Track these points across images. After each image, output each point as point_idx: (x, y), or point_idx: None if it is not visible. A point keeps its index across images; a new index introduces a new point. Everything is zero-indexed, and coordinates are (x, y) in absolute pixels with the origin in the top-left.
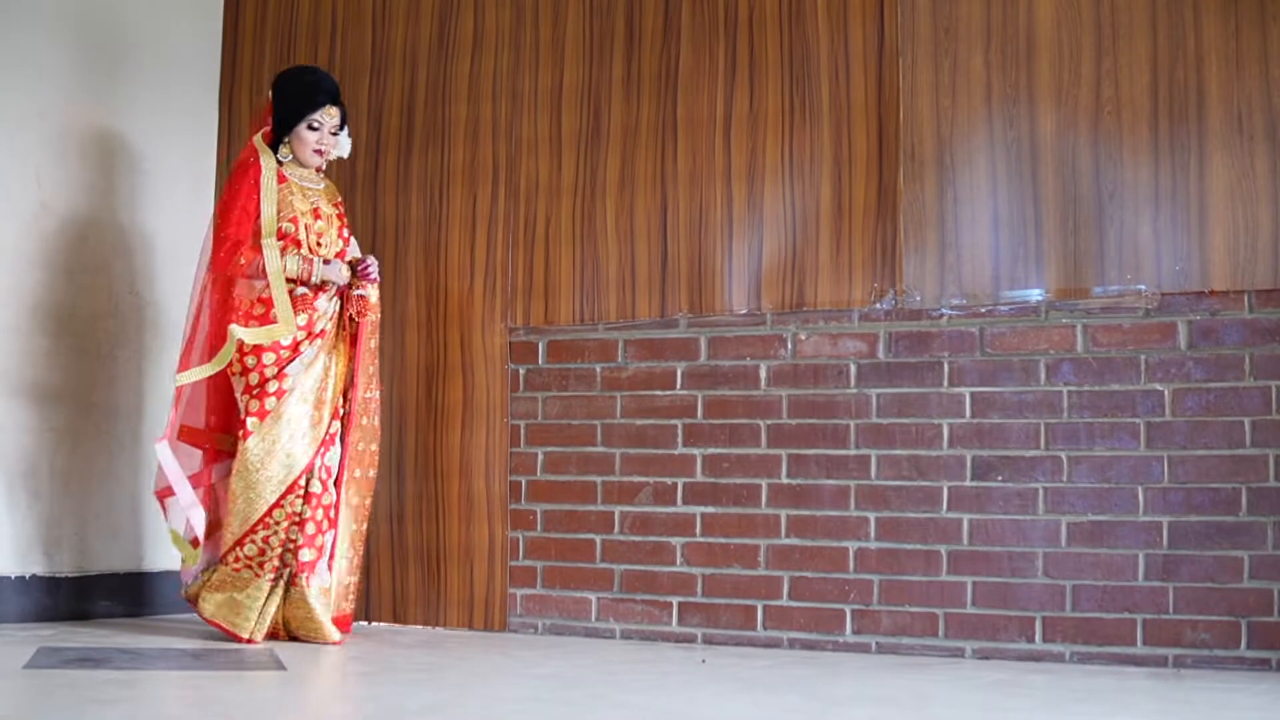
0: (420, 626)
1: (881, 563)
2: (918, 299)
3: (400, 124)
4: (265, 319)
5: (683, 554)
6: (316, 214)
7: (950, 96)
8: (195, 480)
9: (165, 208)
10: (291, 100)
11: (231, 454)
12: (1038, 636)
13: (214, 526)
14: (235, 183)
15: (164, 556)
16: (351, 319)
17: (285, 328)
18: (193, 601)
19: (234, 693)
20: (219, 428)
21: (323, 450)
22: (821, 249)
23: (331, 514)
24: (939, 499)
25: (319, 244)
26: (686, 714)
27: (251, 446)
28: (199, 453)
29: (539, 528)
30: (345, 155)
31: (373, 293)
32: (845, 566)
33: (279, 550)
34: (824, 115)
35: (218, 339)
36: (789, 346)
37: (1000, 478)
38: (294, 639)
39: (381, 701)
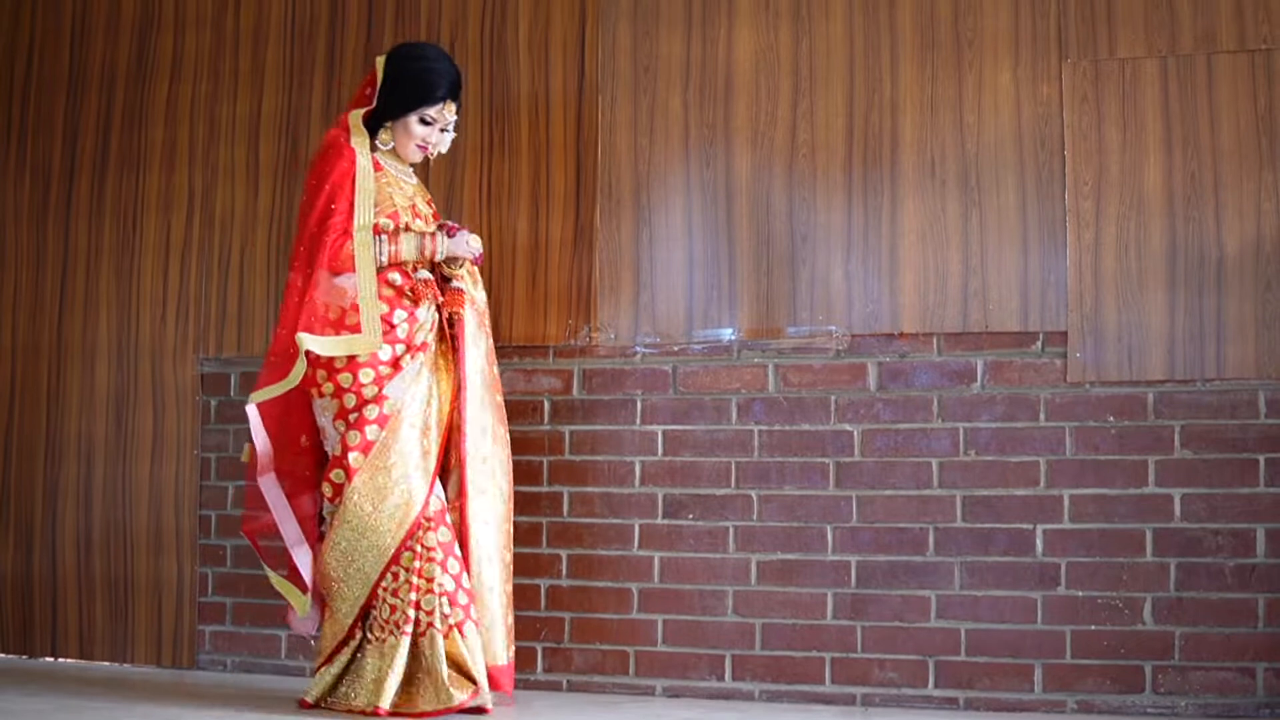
0: (108, 663)
1: (573, 600)
2: (612, 337)
3: (96, 146)
4: (342, 325)
5: None
6: (415, 211)
7: (649, 135)
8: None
9: None
10: (407, 87)
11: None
12: (727, 674)
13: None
14: (329, 164)
15: None
16: (450, 321)
17: (369, 339)
18: (324, 705)
19: None
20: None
21: (433, 484)
22: (517, 285)
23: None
24: (630, 537)
25: None
26: None
27: (359, 487)
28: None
29: (229, 563)
30: (444, 152)
31: (466, 284)
32: (537, 604)
33: (414, 598)
34: (523, 151)
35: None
36: None
37: (691, 516)
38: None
39: None
